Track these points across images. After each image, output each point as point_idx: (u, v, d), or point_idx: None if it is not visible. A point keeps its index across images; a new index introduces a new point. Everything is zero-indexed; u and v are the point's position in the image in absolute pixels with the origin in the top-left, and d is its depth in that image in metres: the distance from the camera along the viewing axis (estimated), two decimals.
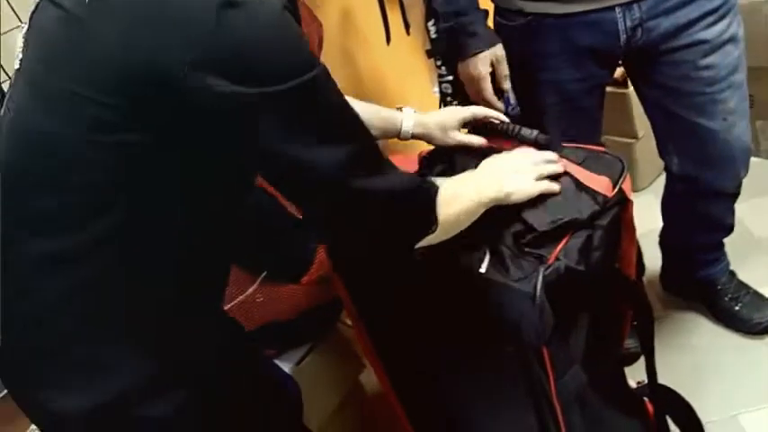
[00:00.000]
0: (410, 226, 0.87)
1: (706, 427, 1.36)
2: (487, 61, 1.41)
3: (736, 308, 1.71)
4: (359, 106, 1.11)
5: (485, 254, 0.97)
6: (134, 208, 0.76)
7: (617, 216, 1.01)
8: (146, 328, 0.82)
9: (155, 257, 0.80)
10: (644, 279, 1.86)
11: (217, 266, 0.92)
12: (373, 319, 1.23)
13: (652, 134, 1.54)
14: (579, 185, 1.00)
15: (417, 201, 0.87)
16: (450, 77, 2.03)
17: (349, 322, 1.34)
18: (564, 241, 0.96)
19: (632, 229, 1.06)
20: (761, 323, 1.68)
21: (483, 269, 0.96)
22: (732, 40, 1.33)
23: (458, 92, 2.04)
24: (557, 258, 0.94)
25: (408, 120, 1.19)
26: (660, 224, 1.76)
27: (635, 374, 1.31)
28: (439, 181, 0.93)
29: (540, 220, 0.97)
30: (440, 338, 1.11)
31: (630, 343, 1.32)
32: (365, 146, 0.80)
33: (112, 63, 0.69)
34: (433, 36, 1.98)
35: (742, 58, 1.37)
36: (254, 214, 0.98)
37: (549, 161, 1.02)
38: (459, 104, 2.08)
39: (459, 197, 0.92)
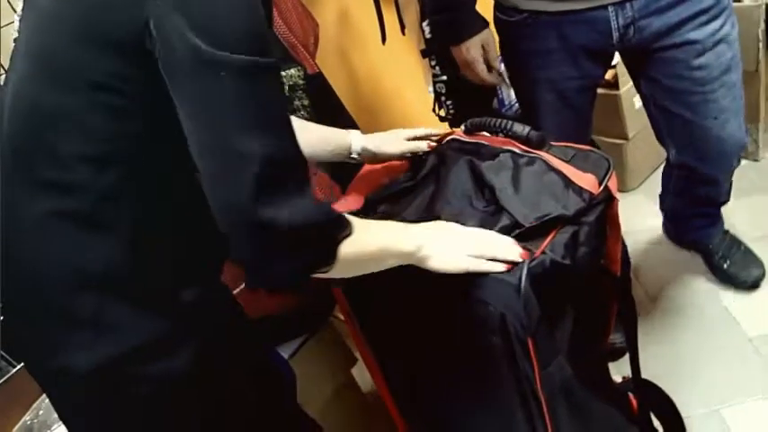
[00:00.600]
0: (304, 254, 0.80)
1: (689, 420, 1.40)
2: (478, 45, 1.47)
3: (725, 266, 1.85)
4: (309, 128, 1.17)
5: None
6: (134, 167, 0.80)
7: (603, 213, 1.03)
8: (148, 289, 0.84)
9: (154, 217, 0.83)
10: (631, 276, 1.91)
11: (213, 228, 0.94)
12: (364, 314, 1.25)
13: (642, 135, 1.58)
14: (567, 182, 1.02)
15: (318, 233, 0.81)
16: (445, 77, 2.06)
17: (341, 317, 1.36)
18: (551, 236, 0.98)
19: (617, 226, 1.08)
20: (746, 281, 1.82)
21: None
22: (724, 40, 1.35)
23: (451, 89, 2.07)
24: (543, 252, 0.96)
25: (357, 141, 1.23)
26: (649, 223, 1.82)
27: (621, 370, 1.33)
28: (356, 222, 0.87)
29: (526, 215, 0.99)
30: (428, 332, 1.13)
31: (617, 338, 1.35)
32: (287, 156, 0.77)
33: (96, 20, 0.75)
34: (428, 36, 2.01)
35: (736, 59, 1.39)
36: None
37: (510, 246, 0.95)
38: (453, 103, 2.11)
39: (368, 242, 0.87)
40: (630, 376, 1.25)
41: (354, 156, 1.24)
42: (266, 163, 0.73)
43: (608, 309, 1.20)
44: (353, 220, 0.86)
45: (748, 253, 1.86)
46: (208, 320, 0.91)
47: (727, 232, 1.89)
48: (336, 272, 0.85)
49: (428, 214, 1.10)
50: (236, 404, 0.95)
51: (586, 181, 1.02)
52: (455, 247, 0.94)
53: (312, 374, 1.46)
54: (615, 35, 1.35)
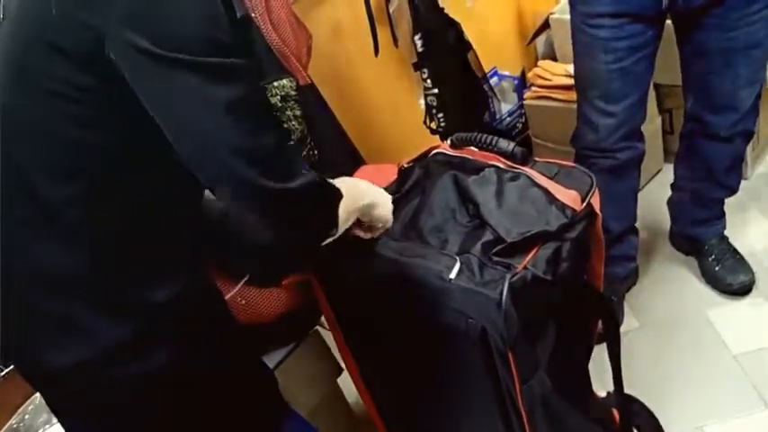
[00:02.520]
0: (316, 220, 0.89)
1: None
2: None
3: (716, 268, 1.89)
4: None
5: (454, 261, 1.00)
6: (97, 175, 0.81)
7: (585, 229, 1.04)
8: (116, 294, 0.85)
9: (119, 223, 0.84)
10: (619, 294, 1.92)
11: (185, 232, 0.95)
12: (349, 326, 1.26)
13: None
14: (550, 198, 1.03)
15: (318, 200, 0.89)
16: (436, 90, 2.08)
17: (328, 326, 1.37)
18: (533, 252, 0.98)
19: (600, 242, 1.09)
20: (732, 285, 1.86)
21: (452, 275, 0.98)
22: (762, 20, 1.48)
23: (442, 102, 2.09)
24: (525, 268, 0.96)
25: None
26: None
27: (606, 384, 1.33)
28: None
29: (509, 230, 1.00)
30: (411, 344, 1.14)
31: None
32: (274, 141, 0.81)
33: (52, 31, 0.76)
34: (420, 50, 2.04)
35: (767, 40, 1.53)
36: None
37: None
38: (444, 116, 2.13)
39: (347, 202, 0.94)
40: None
41: None
42: (259, 155, 0.77)
43: (590, 324, 1.20)
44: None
45: (741, 261, 1.89)
46: (183, 323, 0.91)
47: (724, 238, 1.93)
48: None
49: (412, 226, 1.11)
50: (214, 408, 0.96)
51: (569, 197, 1.03)
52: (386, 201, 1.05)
53: (298, 384, 1.46)
54: (665, 2, 1.46)
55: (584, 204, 1.04)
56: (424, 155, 1.27)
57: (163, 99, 0.75)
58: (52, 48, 0.76)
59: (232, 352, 1.04)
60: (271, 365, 1.41)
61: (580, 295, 1.11)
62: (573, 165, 1.12)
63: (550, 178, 1.08)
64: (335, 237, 0.93)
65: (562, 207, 1.02)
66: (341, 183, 0.96)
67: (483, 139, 1.17)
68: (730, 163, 1.78)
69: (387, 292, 1.09)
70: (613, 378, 1.24)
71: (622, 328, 1.86)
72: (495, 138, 1.16)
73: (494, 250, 1.00)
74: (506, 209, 1.04)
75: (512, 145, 1.14)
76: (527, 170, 1.10)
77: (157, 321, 0.88)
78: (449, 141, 1.26)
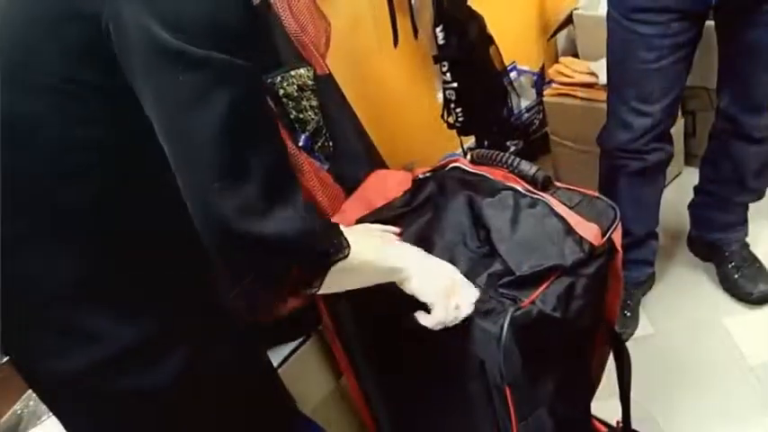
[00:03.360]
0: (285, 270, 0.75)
1: None
2: None
3: (736, 276, 1.85)
4: None
5: None
6: (98, 177, 0.77)
7: (604, 266, 0.98)
8: (122, 298, 0.82)
9: (124, 226, 0.80)
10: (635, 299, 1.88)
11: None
12: (348, 339, 1.23)
13: None
14: (567, 230, 0.97)
15: (306, 249, 0.75)
16: (455, 84, 2.04)
17: None
18: (544, 286, 0.93)
19: (619, 279, 1.03)
20: (752, 293, 1.82)
21: None
22: None
23: (461, 97, 2.05)
24: (532, 303, 0.91)
25: None
26: None
27: (615, 414, 1.29)
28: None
29: (519, 262, 0.94)
30: (410, 366, 1.11)
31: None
32: (275, 160, 0.72)
33: (51, 20, 0.71)
34: (441, 42, 2.00)
35: None
36: None
37: (471, 301, 0.92)
38: (462, 111, 2.09)
39: (355, 257, 0.80)
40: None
41: None
42: (240, 175, 0.68)
43: (598, 359, 1.16)
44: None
45: (762, 269, 1.85)
46: (193, 328, 0.88)
47: (746, 245, 1.89)
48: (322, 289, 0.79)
49: (421, 244, 1.04)
50: (223, 415, 0.93)
51: (589, 231, 0.97)
52: (434, 276, 0.91)
53: (300, 383, 1.44)
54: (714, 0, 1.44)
55: (605, 239, 0.98)
56: (441, 167, 1.21)
57: (158, 88, 0.69)
58: (49, 44, 0.71)
59: (240, 355, 1.01)
60: (276, 362, 1.40)
61: (592, 334, 1.06)
62: (597, 195, 1.05)
63: (571, 208, 1.01)
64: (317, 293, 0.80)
65: (580, 240, 0.96)
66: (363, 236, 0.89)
67: (505, 159, 1.11)
68: (760, 166, 1.73)
69: (388, 312, 1.03)
70: (622, 414, 1.21)
71: (637, 333, 1.83)
72: (518, 159, 1.10)
73: (500, 282, 0.94)
74: (519, 238, 0.97)
75: (534, 168, 1.07)
76: (546, 197, 1.03)
77: (166, 328, 0.85)
78: (468, 157, 1.21)
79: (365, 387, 1.30)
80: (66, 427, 0.94)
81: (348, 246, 0.79)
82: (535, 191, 1.06)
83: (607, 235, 0.98)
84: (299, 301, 1.37)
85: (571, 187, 1.08)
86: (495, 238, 0.98)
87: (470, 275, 0.96)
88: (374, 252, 0.88)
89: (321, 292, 0.80)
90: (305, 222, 0.72)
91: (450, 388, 1.06)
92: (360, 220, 1.16)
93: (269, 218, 0.69)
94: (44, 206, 0.78)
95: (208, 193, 0.68)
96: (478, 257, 1.00)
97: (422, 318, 0.91)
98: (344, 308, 1.18)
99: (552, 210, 1.01)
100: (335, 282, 0.80)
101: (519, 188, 1.07)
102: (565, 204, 1.02)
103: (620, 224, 1.00)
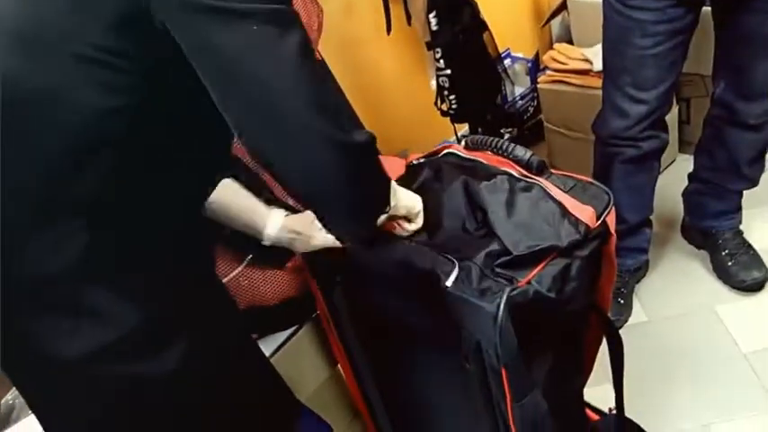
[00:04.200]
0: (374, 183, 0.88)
1: None
2: None
3: (729, 263, 1.85)
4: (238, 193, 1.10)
5: (453, 268, 0.94)
6: (126, 152, 0.76)
7: (598, 249, 0.97)
8: (130, 280, 0.81)
9: (142, 204, 0.80)
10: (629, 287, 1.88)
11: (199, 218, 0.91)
12: (343, 328, 1.22)
13: None
14: (563, 212, 0.96)
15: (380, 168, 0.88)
16: (449, 71, 2.03)
17: None
18: (539, 267, 0.92)
19: (613, 264, 1.02)
20: (744, 281, 1.81)
21: (449, 282, 0.93)
22: None
23: (454, 83, 2.04)
24: (528, 283, 0.91)
25: (273, 227, 1.11)
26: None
27: (608, 401, 1.27)
28: None
29: (516, 243, 0.94)
30: (405, 347, 1.10)
31: None
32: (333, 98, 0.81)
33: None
34: (434, 28, 1.98)
35: None
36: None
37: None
38: (455, 98, 2.07)
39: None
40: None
41: (266, 242, 1.13)
42: (330, 106, 0.77)
43: (592, 348, 1.16)
44: None
45: (755, 257, 1.85)
46: (195, 316, 0.87)
47: (740, 233, 1.89)
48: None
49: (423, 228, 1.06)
50: (223, 406, 0.92)
51: (584, 213, 0.96)
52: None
53: (296, 369, 1.44)
54: None
55: (599, 222, 0.97)
56: (435, 153, 1.20)
57: (223, 58, 0.71)
58: (80, 12, 0.70)
59: (240, 346, 1.00)
60: (271, 349, 1.39)
61: (585, 317, 1.05)
62: (590, 180, 1.04)
63: (566, 192, 1.01)
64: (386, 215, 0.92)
65: (576, 222, 0.95)
66: None
67: (499, 145, 1.10)
68: (755, 153, 1.73)
69: (383, 293, 1.04)
70: (615, 401, 1.19)
71: (630, 321, 1.83)
72: (512, 144, 1.09)
73: (497, 261, 0.93)
74: (516, 220, 0.97)
75: (528, 153, 1.07)
76: (542, 181, 1.02)
77: (170, 314, 0.84)
78: (463, 143, 1.20)
79: (360, 374, 1.29)
80: (58, 418, 0.92)
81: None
82: (530, 175, 1.05)
83: (602, 217, 0.97)
84: (293, 289, 1.36)
85: (565, 173, 1.07)
86: (493, 219, 0.98)
87: (468, 254, 0.96)
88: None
89: None
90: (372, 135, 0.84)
91: (445, 371, 1.05)
92: None
93: (356, 132, 0.81)
94: (53, 187, 0.76)
95: (311, 125, 0.75)
96: (476, 239, 0.99)
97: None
98: (339, 296, 1.17)
99: (547, 193, 1.00)
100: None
101: (513, 172, 1.06)
102: (560, 188, 1.01)
103: (613, 208, 0.99)
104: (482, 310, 0.89)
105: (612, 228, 0.99)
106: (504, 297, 0.88)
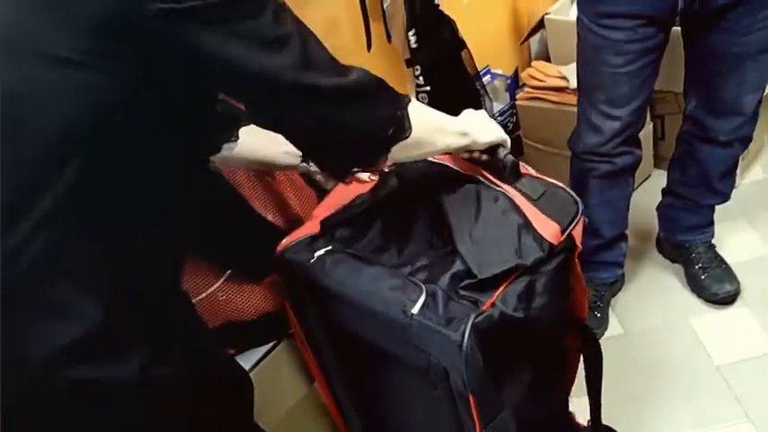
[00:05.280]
0: (382, 122, 0.89)
1: None
2: None
3: (702, 277, 1.86)
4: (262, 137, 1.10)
5: (420, 294, 0.93)
6: (98, 157, 0.75)
7: (564, 262, 0.96)
8: (99, 275, 0.79)
9: (114, 207, 0.78)
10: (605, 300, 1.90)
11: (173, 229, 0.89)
12: (317, 343, 1.22)
13: None
14: (527, 227, 0.95)
15: (384, 96, 0.90)
16: (428, 87, 2.05)
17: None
18: (503, 286, 0.91)
19: (579, 276, 1.02)
20: (717, 294, 1.83)
21: (415, 310, 0.92)
22: None
23: (434, 100, 2.05)
24: (492, 305, 0.89)
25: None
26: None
27: (585, 414, 1.28)
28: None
29: (479, 264, 0.93)
30: (376, 371, 1.10)
31: None
32: (311, 46, 0.84)
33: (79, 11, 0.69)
34: (413, 46, 2.00)
35: None
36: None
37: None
38: None
39: (430, 117, 0.99)
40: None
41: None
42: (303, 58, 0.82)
43: (570, 360, 1.15)
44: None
45: (727, 270, 1.86)
46: (161, 322, 0.85)
47: (712, 246, 1.90)
48: (403, 149, 0.91)
49: (383, 243, 1.06)
50: (182, 419, 0.91)
51: (549, 229, 0.95)
52: (488, 125, 1.08)
53: (274, 385, 1.43)
54: (680, 5, 1.44)
55: (564, 236, 0.96)
56: None
57: (216, 50, 0.73)
58: (60, 13, 0.69)
59: (207, 360, 0.98)
60: (247, 366, 1.38)
61: (560, 330, 1.04)
62: (562, 186, 1.04)
63: (533, 201, 0.99)
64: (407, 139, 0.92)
65: (540, 239, 0.94)
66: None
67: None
68: (725, 169, 1.74)
69: (354, 316, 1.03)
70: (591, 411, 1.19)
71: (607, 334, 1.84)
72: None
73: (461, 284, 0.93)
74: (480, 236, 0.95)
75: (504, 152, 1.06)
76: (509, 190, 1.01)
77: (131, 313, 0.82)
78: None
79: (336, 392, 1.28)
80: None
81: (410, 127, 0.91)
82: (498, 183, 1.04)
83: (567, 231, 0.96)
84: (270, 305, 1.36)
85: (537, 175, 1.06)
86: (457, 238, 0.97)
87: (434, 275, 0.96)
88: (441, 116, 1.05)
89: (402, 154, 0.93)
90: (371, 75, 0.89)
91: (417, 391, 1.05)
92: (324, 221, 1.13)
93: (351, 72, 0.87)
94: (22, 193, 0.74)
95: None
96: (442, 256, 0.99)
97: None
98: (312, 314, 1.16)
99: (514, 204, 0.99)
100: (415, 140, 0.93)
101: (482, 179, 1.05)
102: (528, 197, 1.00)
103: (581, 219, 0.99)
104: (448, 338, 0.88)
105: (579, 239, 0.98)
106: (469, 324, 0.87)
